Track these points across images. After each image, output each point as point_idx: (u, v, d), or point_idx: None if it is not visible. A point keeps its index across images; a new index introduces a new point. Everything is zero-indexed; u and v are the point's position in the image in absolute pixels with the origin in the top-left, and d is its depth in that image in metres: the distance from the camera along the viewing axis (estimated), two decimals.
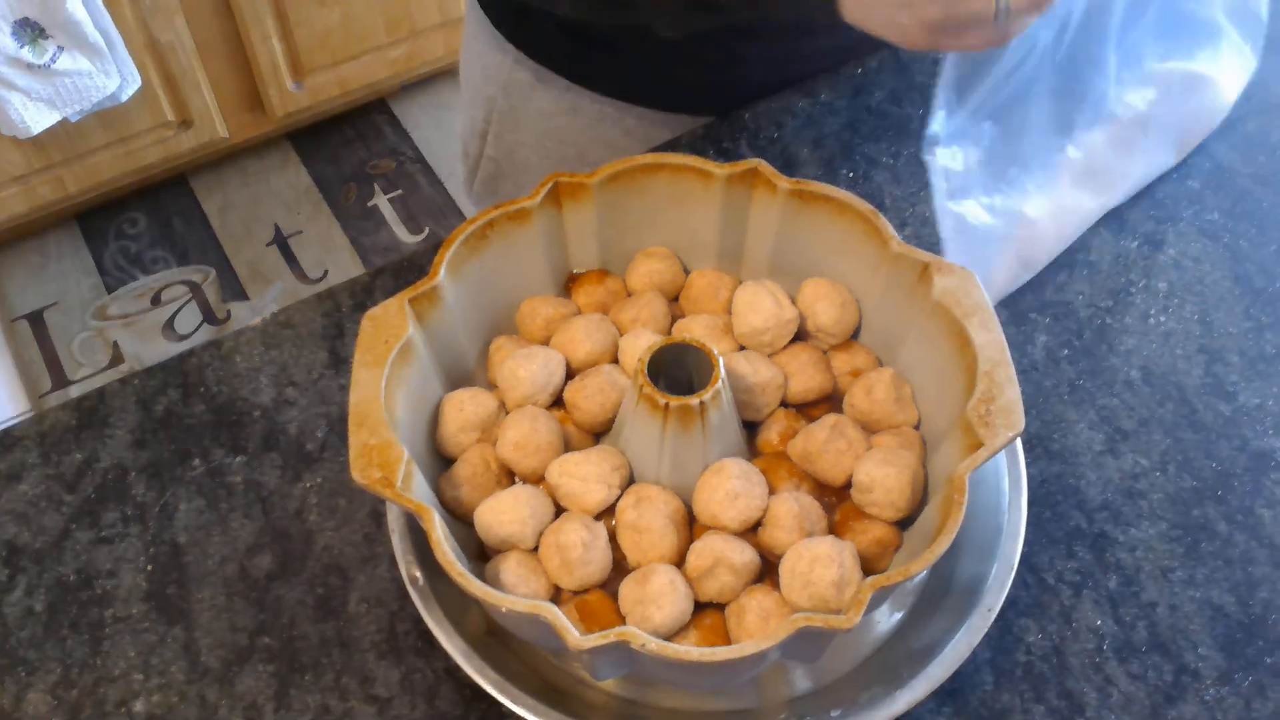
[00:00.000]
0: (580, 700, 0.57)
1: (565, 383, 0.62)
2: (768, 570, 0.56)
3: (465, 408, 0.60)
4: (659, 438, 0.55)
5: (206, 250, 2.02)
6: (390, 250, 2.01)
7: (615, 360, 0.63)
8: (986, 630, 0.56)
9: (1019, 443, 0.63)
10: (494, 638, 0.57)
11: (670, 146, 0.83)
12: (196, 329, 1.91)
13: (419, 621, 0.60)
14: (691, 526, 0.57)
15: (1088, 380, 0.71)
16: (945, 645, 0.55)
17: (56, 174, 1.83)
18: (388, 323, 0.56)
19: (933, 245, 0.71)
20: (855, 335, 0.65)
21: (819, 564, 0.52)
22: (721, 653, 0.47)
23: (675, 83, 0.86)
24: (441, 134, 2.18)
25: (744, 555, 0.54)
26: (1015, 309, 0.74)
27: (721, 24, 0.65)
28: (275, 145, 2.15)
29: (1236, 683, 0.60)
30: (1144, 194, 0.80)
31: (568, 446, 0.60)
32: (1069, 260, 0.77)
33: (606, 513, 0.57)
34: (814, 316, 0.63)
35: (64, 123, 1.70)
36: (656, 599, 0.52)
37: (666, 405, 0.54)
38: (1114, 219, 0.79)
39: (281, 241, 2.03)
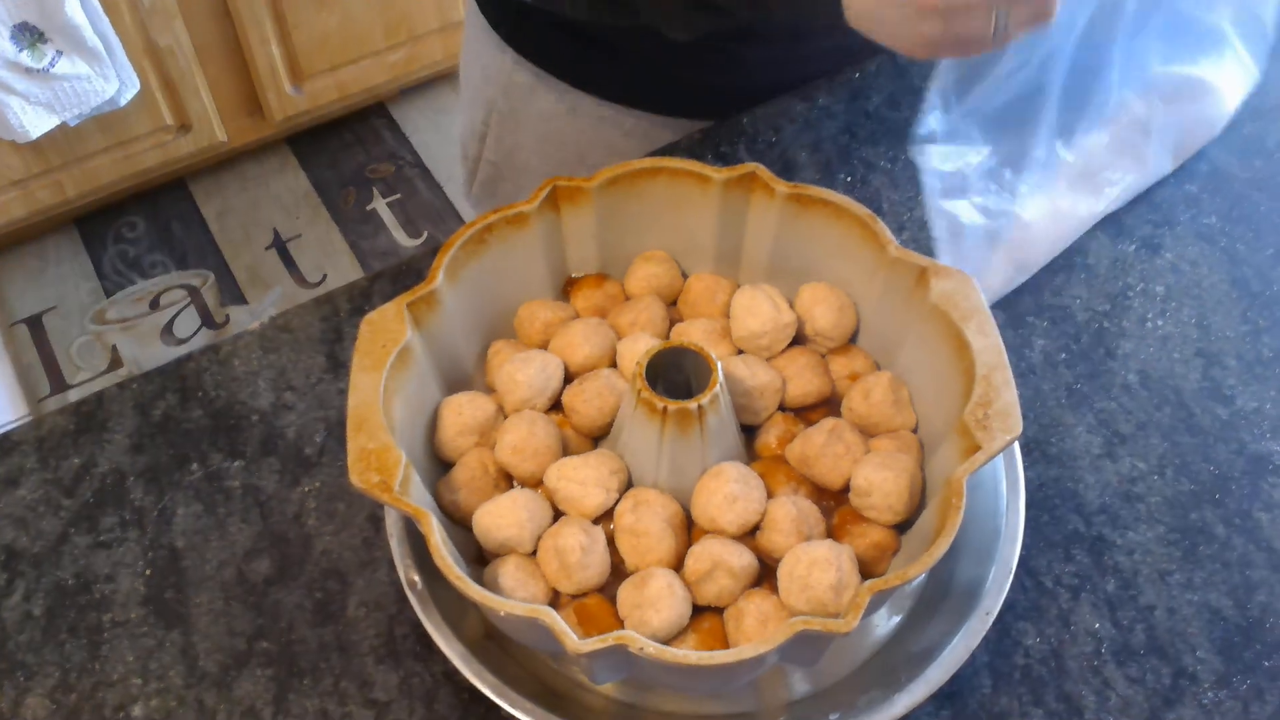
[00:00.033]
0: (579, 704, 0.57)
1: (563, 387, 0.62)
2: (766, 574, 0.56)
3: (463, 412, 0.60)
4: (657, 442, 0.55)
5: (205, 254, 2.02)
6: (389, 254, 2.01)
7: (613, 364, 0.63)
8: (985, 633, 0.56)
9: (1017, 446, 0.63)
10: (492, 641, 0.57)
11: (668, 151, 0.83)
12: (195, 333, 1.91)
13: (417, 625, 0.60)
14: (690, 530, 0.57)
15: (1085, 384, 0.71)
16: (943, 648, 0.55)
17: (55, 178, 1.83)
18: (386, 327, 0.56)
19: (930, 249, 0.71)
20: (853, 339, 0.65)
21: (817, 567, 0.52)
22: (720, 656, 0.47)
23: (675, 85, 0.86)
24: (440, 138, 2.18)
25: (742, 559, 0.54)
26: (1013, 312, 0.75)
27: (727, 26, 0.65)
28: (274, 149, 2.15)
29: (1234, 686, 0.60)
30: (1141, 198, 0.80)
31: (566, 450, 0.60)
32: (1067, 264, 0.77)
33: (605, 516, 0.57)
34: (812, 320, 0.63)
35: (63, 127, 1.70)
36: (655, 602, 0.52)
37: (665, 409, 0.54)
38: (1111, 223, 0.79)
39: (280, 245, 2.03)
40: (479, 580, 0.53)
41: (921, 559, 0.49)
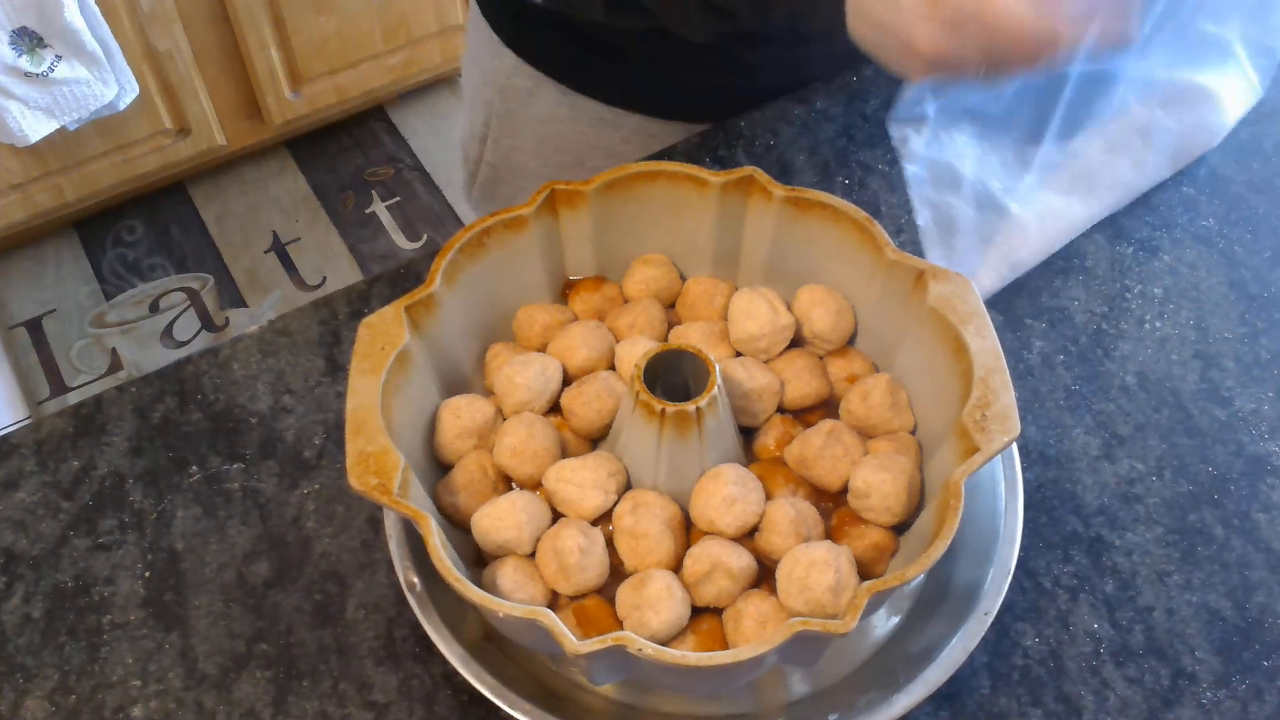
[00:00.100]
0: (578, 705, 0.57)
1: (562, 389, 0.62)
2: (764, 575, 0.56)
3: (462, 414, 0.60)
4: (655, 444, 0.55)
5: (205, 258, 2.02)
6: (388, 257, 2.01)
7: (612, 367, 0.63)
8: (983, 634, 0.56)
9: (1015, 448, 0.63)
10: (491, 643, 0.57)
11: (666, 154, 0.83)
12: (195, 336, 1.91)
13: (416, 627, 0.60)
14: (688, 532, 0.57)
15: (1084, 385, 0.71)
16: (942, 649, 0.55)
17: (55, 182, 1.83)
18: (384, 330, 0.56)
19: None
20: (851, 341, 0.65)
21: (816, 569, 0.52)
22: (719, 657, 0.47)
23: (674, 87, 0.86)
24: (439, 141, 2.18)
25: (741, 560, 0.54)
26: (1011, 315, 0.75)
27: (740, 28, 0.65)
28: (273, 153, 2.16)
29: (1233, 686, 0.60)
30: (1139, 200, 0.81)
31: (565, 453, 0.60)
32: (1065, 266, 0.77)
33: (603, 518, 0.57)
34: (810, 323, 0.63)
35: (62, 131, 1.70)
36: (654, 604, 0.52)
37: (663, 411, 0.54)
38: (1109, 225, 0.79)
39: (280, 249, 2.03)
40: (478, 582, 0.53)
41: (920, 560, 0.49)
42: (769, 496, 0.58)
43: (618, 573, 0.56)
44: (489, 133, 0.94)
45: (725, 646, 0.54)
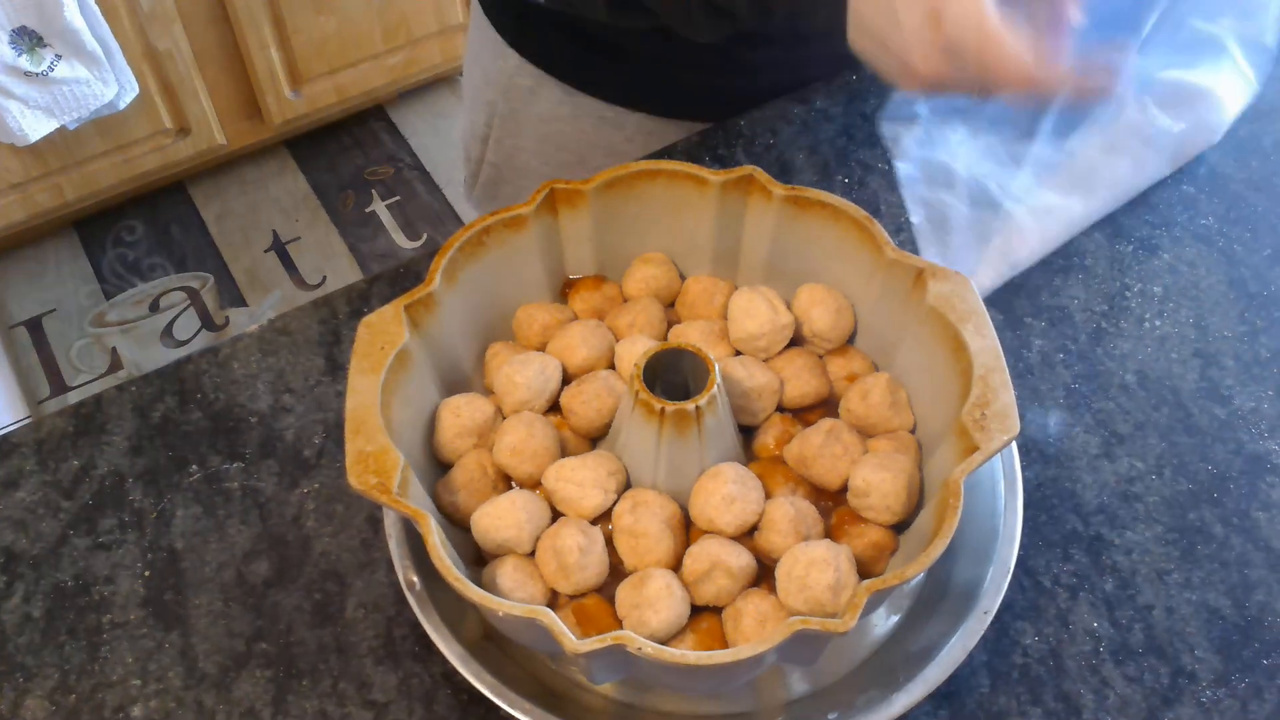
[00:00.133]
0: (578, 704, 0.57)
1: (562, 388, 0.62)
2: (764, 574, 0.56)
3: (462, 413, 0.60)
4: (655, 443, 0.55)
5: (205, 257, 2.02)
6: (388, 256, 2.01)
7: (611, 366, 0.63)
8: (983, 633, 0.56)
9: (1014, 446, 0.63)
10: (491, 642, 0.57)
11: (666, 153, 0.83)
12: (195, 335, 1.91)
13: (416, 626, 0.60)
14: (688, 531, 0.57)
15: (1083, 384, 0.71)
16: (942, 648, 0.55)
17: (55, 181, 1.83)
18: (384, 329, 0.56)
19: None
20: (851, 340, 0.65)
21: (815, 568, 0.52)
22: (718, 656, 0.47)
23: (676, 86, 0.86)
24: (439, 141, 2.18)
25: (740, 559, 0.54)
26: (1010, 313, 0.75)
27: (743, 29, 0.65)
28: (273, 152, 2.16)
29: (1233, 685, 0.60)
30: (1138, 199, 0.81)
31: (564, 452, 0.60)
32: (1064, 265, 0.77)
33: (603, 517, 0.57)
34: (809, 322, 0.63)
35: (62, 130, 1.70)
36: (653, 603, 0.52)
37: (662, 410, 0.54)
38: (1108, 223, 0.79)
39: (280, 248, 2.03)
40: (477, 581, 0.53)
41: (919, 559, 0.49)
42: (768, 495, 0.58)
43: (617, 572, 0.56)
44: (491, 132, 0.94)
45: (725, 645, 0.54)
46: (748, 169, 0.62)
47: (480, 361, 0.65)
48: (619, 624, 0.54)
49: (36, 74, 1.59)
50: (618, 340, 0.64)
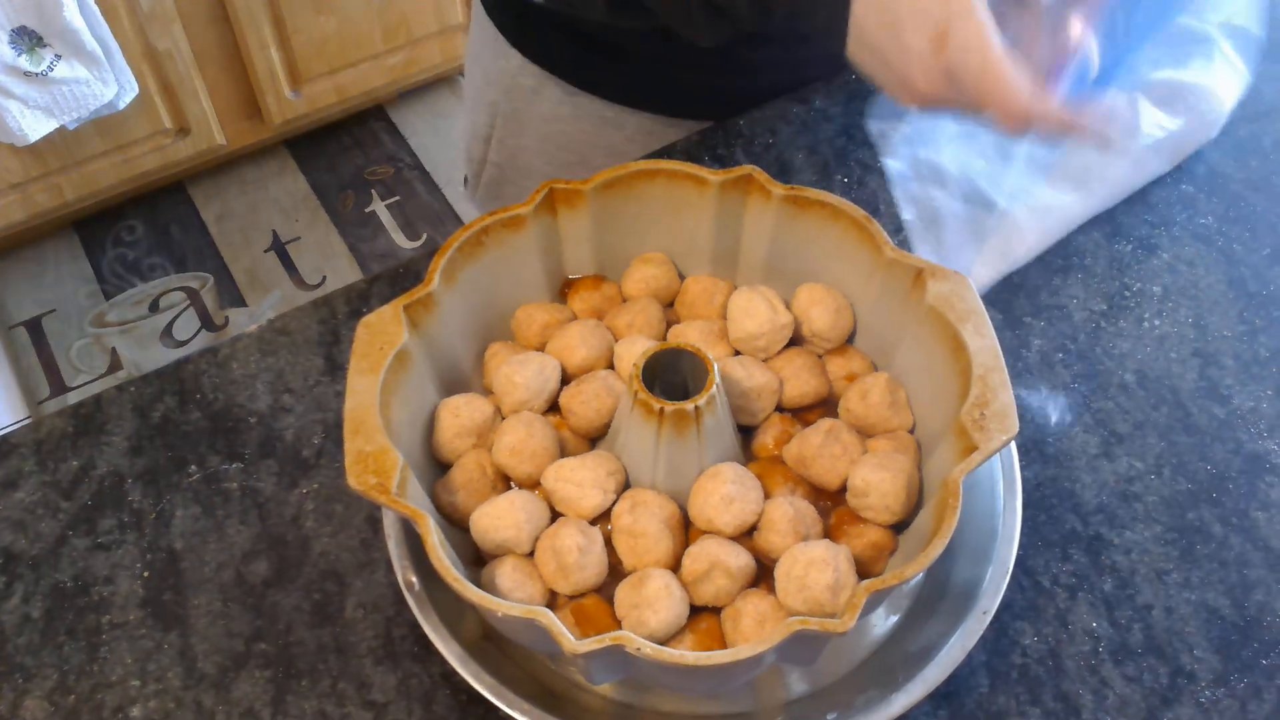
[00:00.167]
0: (577, 704, 0.57)
1: (561, 388, 0.62)
2: (763, 574, 0.56)
3: (461, 413, 0.60)
4: (654, 443, 0.55)
5: (204, 257, 2.02)
6: (388, 256, 2.01)
7: (611, 366, 0.63)
8: (982, 633, 0.56)
9: (1013, 446, 0.63)
10: (490, 642, 0.57)
11: (665, 153, 0.83)
12: (194, 335, 1.91)
13: (415, 627, 0.60)
14: (687, 531, 0.57)
15: (1082, 384, 0.71)
16: (941, 648, 0.55)
17: (54, 181, 1.83)
18: (383, 329, 0.56)
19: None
20: (850, 340, 0.65)
21: (814, 568, 0.52)
22: (717, 656, 0.47)
23: (676, 86, 0.86)
24: (439, 141, 2.18)
25: (739, 559, 0.54)
26: (1010, 313, 0.75)
27: (740, 32, 0.65)
28: (273, 152, 2.16)
29: (1232, 685, 0.60)
30: (1138, 198, 0.81)
31: (563, 452, 0.60)
32: (1063, 264, 0.77)
33: (602, 517, 0.57)
34: (809, 321, 0.63)
35: (61, 130, 1.70)
36: (652, 603, 0.52)
37: (661, 410, 0.54)
38: (1107, 223, 0.79)
39: (279, 248, 2.03)
40: (476, 581, 0.53)
41: (918, 559, 0.49)
42: (768, 495, 0.58)
43: (616, 572, 0.56)
44: (494, 133, 0.94)
45: (724, 645, 0.54)
46: (747, 169, 0.62)
47: (479, 361, 0.65)
48: (618, 624, 0.54)
49: (36, 74, 1.59)
50: (617, 340, 0.64)
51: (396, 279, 0.76)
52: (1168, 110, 0.79)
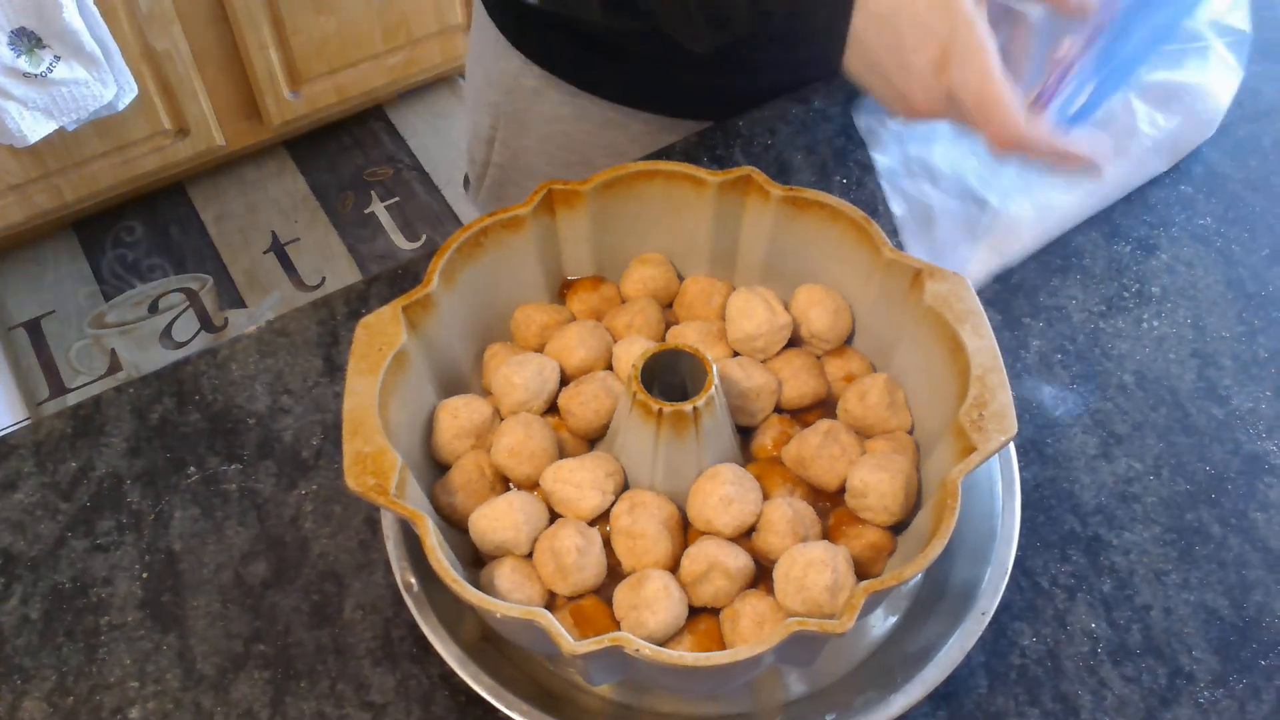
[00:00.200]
0: (575, 705, 0.57)
1: (559, 389, 0.62)
2: (762, 575, 0.56)
3: (459, 415, 0.60)
4: (653, 444, 0.55)
5: (204, 258, 2.02)
6: (387, 257, 2.01)
7: (609, 367, 0.63)
8: (980, 634, 0.56)
9: (1012, 447, 0.63)
10: (489, 643, 0.57)
11: (664, 154, 0.83)
12: (194, 337, 1.91)
13: (414, 628, 0.60)
14: (686, 532, 0.57)
15: (1081, 385, 0.71)
16: (939, 649, 0.55)
17: (53, 182, 1.83)
18: (382, 330, 0.56)
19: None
20: (849, 340, 0.65)
21: (813, 569, 0.52)
22: (716, 657, 0.47)
23: (681, 87, 0.86)
24: (439, 141, 2.18)
25: (738, 560, 0.54)
26: (1008, 314, 0.75)
27: (737, 37, 0.66)
28: (272, 153, 2.16)
29: (1231, 685, 0.60)
30: (1136, 199, 0.81)
31: (562, 453, 0.60)
32: (1062, 265, 0.77)
33: (601, 518, 0.57)
34: (807, 322, 0.63)
35: (61, 131, 1.70)
36: (651, 604, 0.52)
37: (660, 411, 0.54)
38: (1106, 223, 0.79)
39: (279, 249, 2.03)
40: (475, 582, 0.53)
41: (917, 560, 0.49)
42: (766, 496, 0.58)
43: (615, 573, 0.56)
44: (496, 134, 0.94)
45: (722, 646, 0.54)
46: (745, 169, 0.62)
47: (478, 362, 0.65)
48: (617, 625, 0.54)
49: (35, 75, 1.58)
50: (615, 341, 0.64)
51: (395, 280, 0.76)
52: (1163, 111, 0.79)
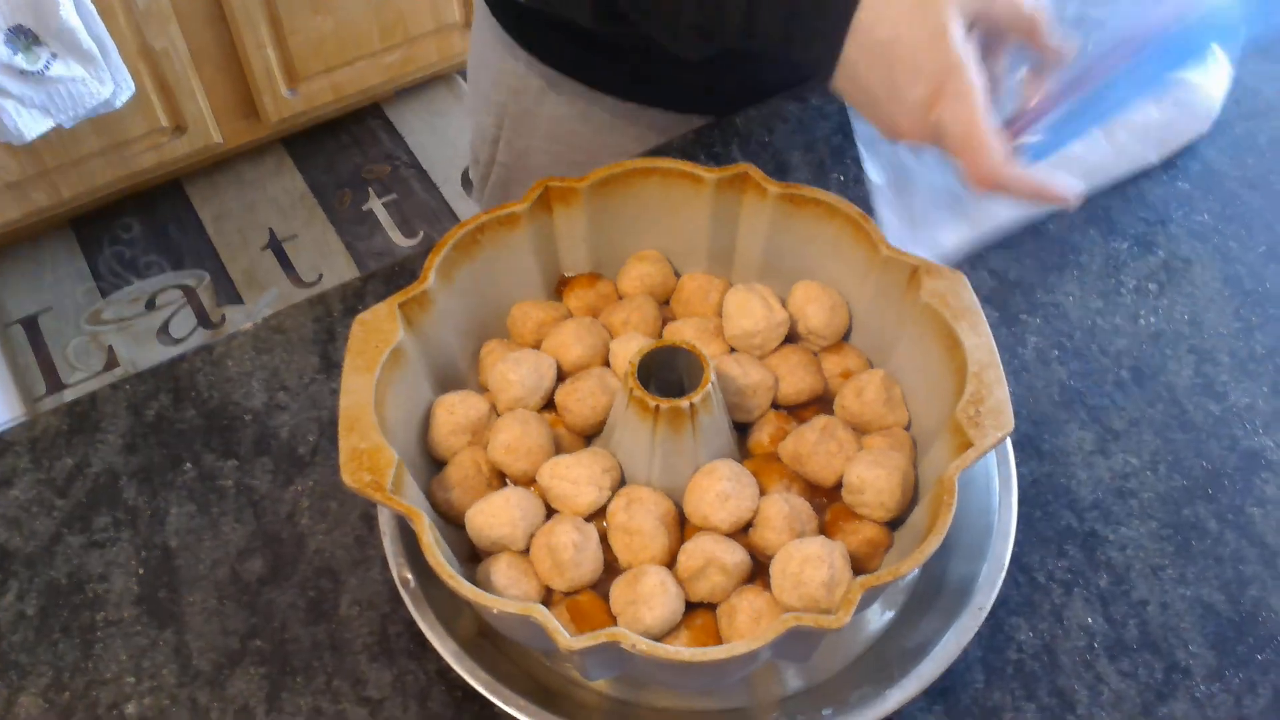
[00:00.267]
0: (572, 701, 0.57)
1: (556, 386, 0.62)
2: (759, 571, 0.56)
3: (456, 411, 0.60)
4: (649, 440, 0.55)
5: (201, 256, 2.02)
6: (385, 254, 2.01)
7: (606, 363, 0.63)
8: (977, 629, 0.56)
9: (1009, 443, 0.63)
10: (486, 639, 0.57)
11: (662, 151, 0.83)
12: (191, 333, 1.91)
13: (411, 624, 0.60)
14: (682, 528, 0.57)
15: (1078, 381, 0.71)
16: (936, 644, 0.55)
17: (51, 180, 1.83)
18: (378, 327, 0.56)
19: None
20: (846, 337, 0.65)
21: (809, 564, 0.52)
22: (712, 653, 0.47)
23: (684, 84, 0.86)
24: (436, 139, 2.18)
25: (735, 556, 0.54)
26: (1006, 310, 0.75)
27: (724, 49, 0.66)
28: (270, 151, 2.15)
29: (1227, 680, 0.60)
30: (1134, 196, 0.81)
31: (559, 449, 0.60)
32: (1060, 261, 0.77)
33: (598, 514, 0.57)
34: (805, 319, 0.63)
35: (58, 129, 1.70)
36: (648, 600, 0.52)
37: (657, 408, 0.54)
38: (1104, 220, 0.79)
39: (276, 246, 2.03)
40: (472, 578, 0.53)
41: (913, 555, 0.49)
42: (763, 492, 0.58)
43: (612, 569, 0.56)
44: (502, 133, 0.94)
45: (719, 642, 0.54)
46: (742, 166, 0.62)
47: (475, 359, 0.65)
48: (613, 621, 0.54)
49: (32, 73, 1.58)
50: (612, 338, 0.64)
51: (392, 277, 0.76)
52: (1156, 105, 0.79)
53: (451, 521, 0.58)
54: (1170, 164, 0.82)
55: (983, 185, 0.55)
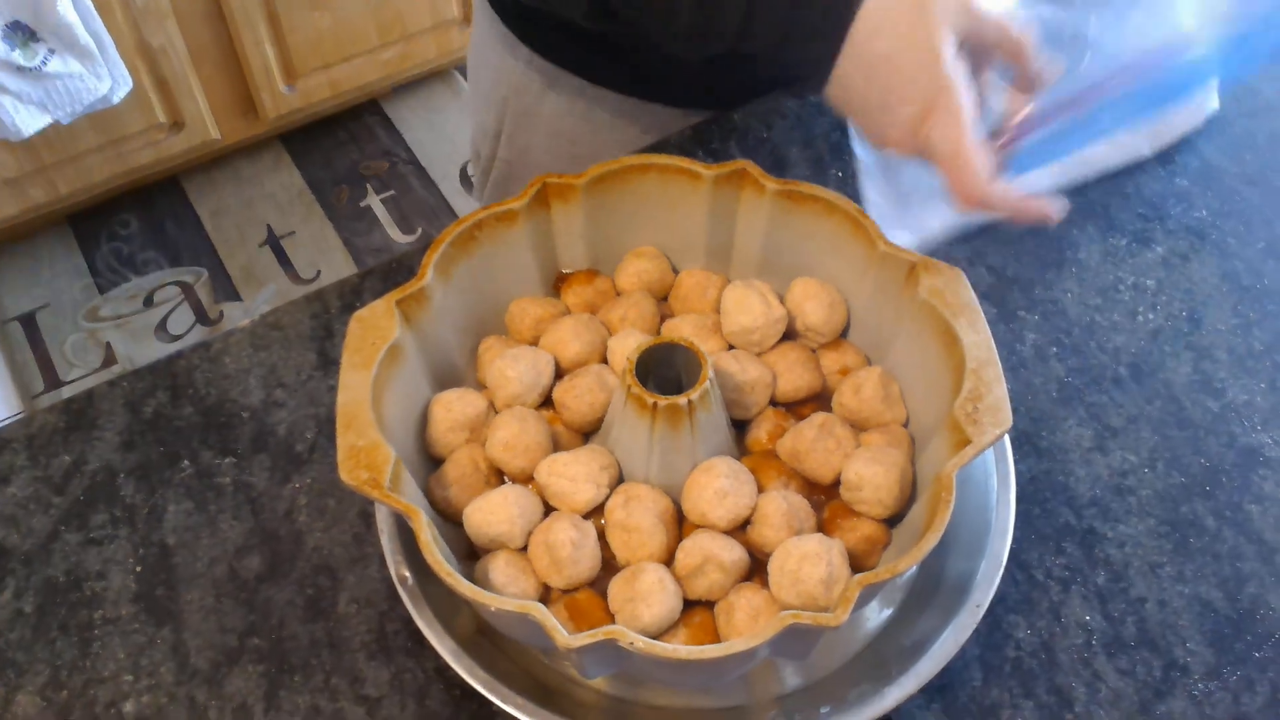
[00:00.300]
0: (570, 699, 0.57)
1: (554, 383, 0.62)
2: (757, 568, 0.56)
3: (454, 408, 0.60)
4: (647, 437, 0.55)
5: (199, 252, 2.01)
6: (383, 251, 2.01)
7: (604, 360, 0.63)
8: (975, 626, 0.56)
9: (1007, 440, 0.63)
10: (484, 637, 0.57)
11: (659, 147, 0.83)
12: (189, 330, 1.91)
13: (409, 621, 0.60)
14: (680, 525, 0.57)
15: (1076, 378, 0.71)
16: (934, 641, 0.55)
17: (48, 176, 1.83)
18: (375, 324, 0.56)
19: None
20: (844, 334, 0.65)
21: (807, 562, 0.52)
22: (710, 651, 0.47)
23: (685, 80, 0.86)
24: (434, 135, 2.18)
25: (733, 553, 0.54)
26: (1004, 307, 0.75)
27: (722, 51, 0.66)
28: (267, 147, 2.15)
29: (1225, 677, 0.60)
30: (1132, 192, 0.81)
31: (557, 446, 0.60)
32: (1058, 259, 0.77)
33: (595, 512, 0.57)
34: (803, 316, 0.63)
35: (55, 125, 1.69)
36: (645, 597, 0.52)
37: (655, 405, 0.54)
38: (1102, 217, 0.79)
39: (274, 243, 2.03)
40: (470, 576, 0.53)
41: (911, 552, 0.49)
42: (761, 489, 0.58)
43: (610, 566, 0.56)
44: (503, 130, 0.94)
45: (717, 639, 0.54)
46: (740, 163, 0.62)
47: (473, 356, 0.65)
48: (611, 619, 0.53)
49: (30, 69, 1.58)
50: (610, 335, 0.63)
51: (389, 273, 0.76)
52: None
53: (449, 519, 0.58)
54: (1168, 160, 0.82)
55: (967, 202, 0.56)
